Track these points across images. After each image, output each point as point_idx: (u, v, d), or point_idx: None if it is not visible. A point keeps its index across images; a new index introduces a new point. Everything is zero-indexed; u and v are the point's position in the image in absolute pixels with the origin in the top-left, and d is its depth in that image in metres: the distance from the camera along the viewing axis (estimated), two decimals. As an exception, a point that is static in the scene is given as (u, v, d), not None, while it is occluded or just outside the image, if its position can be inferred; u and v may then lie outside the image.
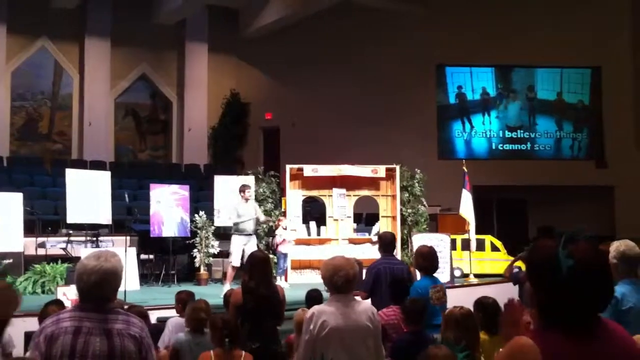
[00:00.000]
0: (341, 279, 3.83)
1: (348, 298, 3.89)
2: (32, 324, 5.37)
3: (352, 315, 3.81)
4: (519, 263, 8.86)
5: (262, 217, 11.08)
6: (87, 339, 2.82)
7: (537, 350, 1.79)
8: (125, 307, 5.18)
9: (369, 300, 5.99)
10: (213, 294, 8.66)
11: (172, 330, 5.67)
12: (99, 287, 2.88)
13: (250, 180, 12.86)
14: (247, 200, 10.63)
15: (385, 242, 6.72)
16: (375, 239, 12.44)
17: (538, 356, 1.78)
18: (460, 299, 6.00)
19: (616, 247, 4.15)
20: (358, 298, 5.04)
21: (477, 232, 12.77)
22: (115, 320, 2.91)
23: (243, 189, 10.76)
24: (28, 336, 5.30)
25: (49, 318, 2.94)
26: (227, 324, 4.38)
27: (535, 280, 1.93)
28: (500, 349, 2.08)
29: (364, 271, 7.28)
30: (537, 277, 1.93)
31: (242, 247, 10.24)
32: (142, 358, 2.93)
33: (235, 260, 10.24)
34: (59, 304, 5.66)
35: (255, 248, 10.38)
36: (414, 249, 11.12)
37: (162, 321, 6.60)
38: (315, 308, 3.92)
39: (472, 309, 4.81)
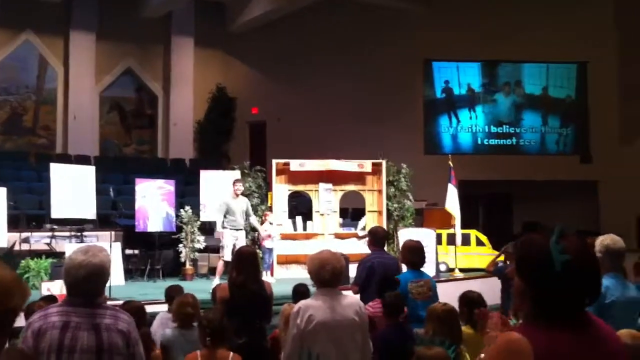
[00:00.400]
0: (328, 273, 3.83)
1: (335, 292, 3.89)
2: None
3: (339, 309, 3.81)
4: (502, 257, 8.93)
5: (254, 222, 11.09)
6: (75, 333, 2.82)
7: (528, 345, 1.80)
8: (122, 302, 5.15)
9: (357, 295, 6.00)
10: (199, 289, 8.64)
11: (158, 325, 5.65)
12: (86, 281, 2.88)
13: (236, 175, 12.85)
14: (237, 195, 10.62)
15: (377, 237, 6.70)
16: (361, 233, 12.48)
17: (529, 350, 1.79)
18: (445, 293, 6.01)
19: (601, 241, 4.19)
20: (349, 292, 5.05)
21: (463, 226, 12.84)
22: (103, 315, 2.91)
23: (234, 183, 10.77)
24: (14, 332, 5.27)
25: (37, 313, 2.94)
26: (211, 322, 4.33)
27: (526, 275, 1.94)
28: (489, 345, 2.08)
29: (350, 266, 7.29)
30: (529, 272, 1.93)
31: (233, 241, 10.23)
32: (130, 353, 2.94)
33: (227, 254, 10.22)
34: (49, 300, 5.61)
35: (244, 243, 10.39)
36: (400, 244, 11.22)
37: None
38: (302, 302, 3.92)
39: (457, 302, 4.84)
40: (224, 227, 10.53)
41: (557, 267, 1.84)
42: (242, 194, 11.04)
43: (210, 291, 7.82)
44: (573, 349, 1.83)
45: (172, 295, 6.07)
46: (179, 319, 5.05)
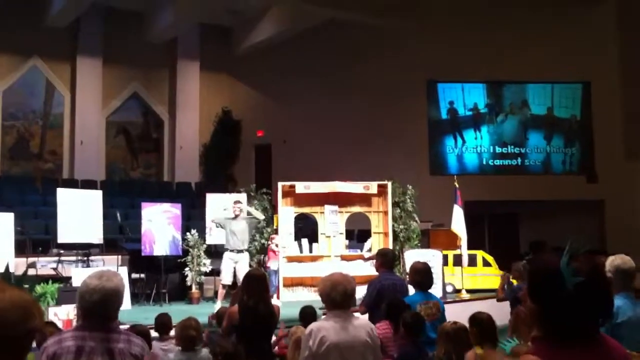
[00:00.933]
0: (339, 295, 3.84)
1: (346, 314, 3.90)
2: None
3: (351, 330, 3.82)
4: (504, 281, 8.88)
5: (261, 216, 11.08)
6: (90, 358, 2.83)
7: None
8: (128, 326, 5.17)
9: (366, 316, 6.01)
10: (205, 313, 8.61)
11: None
12: (100, 306, 2.90)
13: (242, 197, 12.88)
14: (235, 215, 10.58)
15: (387, 259, 6.73)
16: (367, 255, 12.46)
17: None
18: (453, 314, 6.01)
19: (611, 261, 4.20)
20: (357, 313, 5.05)
21: (469, 247, 12.80)
22: (117, 339, 2.92)
23: (234, 203, 10.77)
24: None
25: (52, 338, 2.95)
26: (223, 349, 4.33)
27: (539, 296, 1.95)
28: None
29: (356, 288, 7.24)
30: (541, 293, 1.94)
31: (232, 264, 10.17)
32: None
33: (225, 278, 10.15)
34: (53, 325, 5.64)
35: (247, 265, 10.33)
36: (406, 265, 11.20)
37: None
38: (314, 324, 3.93)
39: (466, 324, 4.83)
40: (224, 250, 10.47)
41: (569, 287, 1.86)
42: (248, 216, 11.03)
43: (209, 315, 7.81)
44: None
45: (162, 322, 6.06)
46: (182, 341, 5.06)
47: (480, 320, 4.80)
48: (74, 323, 7.56)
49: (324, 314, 6.72)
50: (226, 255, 10.35)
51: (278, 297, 11.59)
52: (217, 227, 10.84)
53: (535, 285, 1.97)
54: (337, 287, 3.85)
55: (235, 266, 10.11)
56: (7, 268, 9.65)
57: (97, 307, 2.90)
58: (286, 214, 12.87)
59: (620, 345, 2.00)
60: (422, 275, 6.08)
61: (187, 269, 12.43)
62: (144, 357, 2.95)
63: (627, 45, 16.12)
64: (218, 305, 9.64)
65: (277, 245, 11.78)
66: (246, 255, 10.64)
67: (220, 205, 13.13)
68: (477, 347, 4.59)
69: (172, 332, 6.21)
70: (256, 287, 5.20)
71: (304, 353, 3.79)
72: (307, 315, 6.09)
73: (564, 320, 1.88)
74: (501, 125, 16.44)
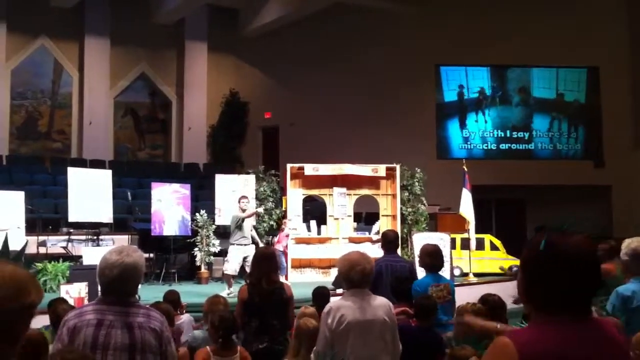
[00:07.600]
0: (358, 274, 3.85)
1: (364, 293, 3.92)
2: (39, 320, 5.41)
3: (369, 309, 3.84)
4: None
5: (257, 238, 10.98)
6: (109, 331, 2.87)
7: (512, 348, 1.76)
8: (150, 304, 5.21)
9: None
10: (214, 293, 8.66)
11: (187, 329, 5.71)
12: (120, 281, 2.93)
13: (250, 179, 12.88)
14: (243, 211, 10.48)
15: (388, 240, 6.70)
16: (375, 237, 12.49)
17: (513, 354, 1.76)
18: (461, 297, 6.02)
19: (628, 243, 4.07)
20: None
21: (476, 231, 12.80)
22: (136, 313, 2.96)
23: (239, 200, 10.59)
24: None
25: (72, 311, 3.01)
26: (224, 321, 4.35)
27: (524, 271, 1.92)
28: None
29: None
30: (526, 268, 1.91)
31: (241, 257, 10.09)
32: (162, 351, 2.98)
33: (231, 268, 10.11)
34: (64, 302, 5.69)
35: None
36: (414, 248, 11.22)
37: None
38: (333, 303, 3.95)
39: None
40: (232, 243, 10.32)
41: (541, 247, 1.83)
42: (256, 197, 10.98)
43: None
44: (565, 348, 1.75)
45: (172, 299, 6.11)
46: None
47: (491, 302, 4.82)
48: (86, 301, 7.63)
49: (332, 295, 6.74)
50: (235, 248, 10.17)
51: (286, 278, 11.63)
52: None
53: (522, 261, 1.92)
54: (355, 267, 3.86)
55: (245, 258, 10.01)
56: (5, 243, 9.72)
57: (117, 281, 2.93)
58: (295, 195, 12.90)
59: (613, 327, 1.91)
60: (433, 257, 6.06)
61: (196, 249, 12.48)
62: (162, 331, 2.98)
63: (637, 30, 15.97)
64: (227, 291, 9.65)
65: (290, 229, 11.74)
66: (253, 247, 10.45)
67: (229, 187, 13.15)
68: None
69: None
70: (261, 265, 5.21)
71: (322, 330, 3.81)
72: (321, 295, 6.10)
73: (540, 283, 1.83)
74: (508, 109, 16.38)
